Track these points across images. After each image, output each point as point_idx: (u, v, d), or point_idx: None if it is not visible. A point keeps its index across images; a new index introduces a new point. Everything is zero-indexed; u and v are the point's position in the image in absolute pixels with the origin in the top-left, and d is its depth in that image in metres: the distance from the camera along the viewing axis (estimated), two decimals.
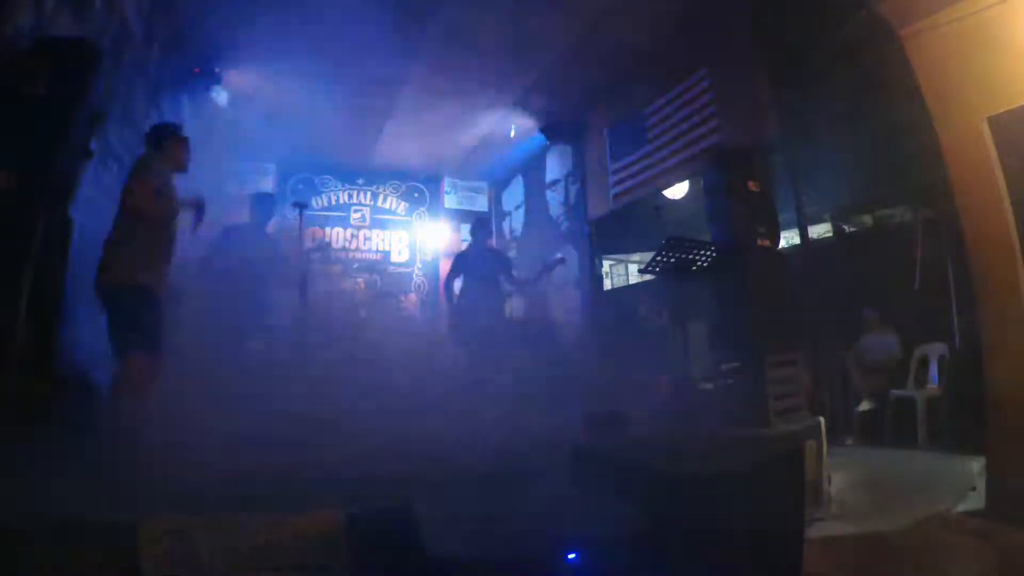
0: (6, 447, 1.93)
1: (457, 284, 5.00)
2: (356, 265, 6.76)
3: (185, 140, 2.78)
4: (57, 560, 1.56)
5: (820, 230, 6.44)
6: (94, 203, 3.00)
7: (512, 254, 6.72)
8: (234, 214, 4.53)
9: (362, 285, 6.36)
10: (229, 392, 3.45)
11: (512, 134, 6.66)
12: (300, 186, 7.25)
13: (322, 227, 7.41)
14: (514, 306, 6.62)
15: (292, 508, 1.72)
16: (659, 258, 3.23)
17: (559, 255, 4.99)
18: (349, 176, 7.78)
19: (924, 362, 4.48)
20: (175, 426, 2.92)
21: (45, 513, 1.65)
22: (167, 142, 2.71)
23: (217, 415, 3.26)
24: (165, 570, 1.56)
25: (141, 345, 2.44)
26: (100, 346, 2.68)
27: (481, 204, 8.60)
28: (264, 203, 4.60)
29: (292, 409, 3.53)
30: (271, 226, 4.62)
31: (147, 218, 2.47)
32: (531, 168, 7.50)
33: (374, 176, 7.94)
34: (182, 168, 2.77)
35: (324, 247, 5.23)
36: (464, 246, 6.94)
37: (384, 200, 8.14)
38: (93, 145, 2.50)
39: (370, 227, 7.89)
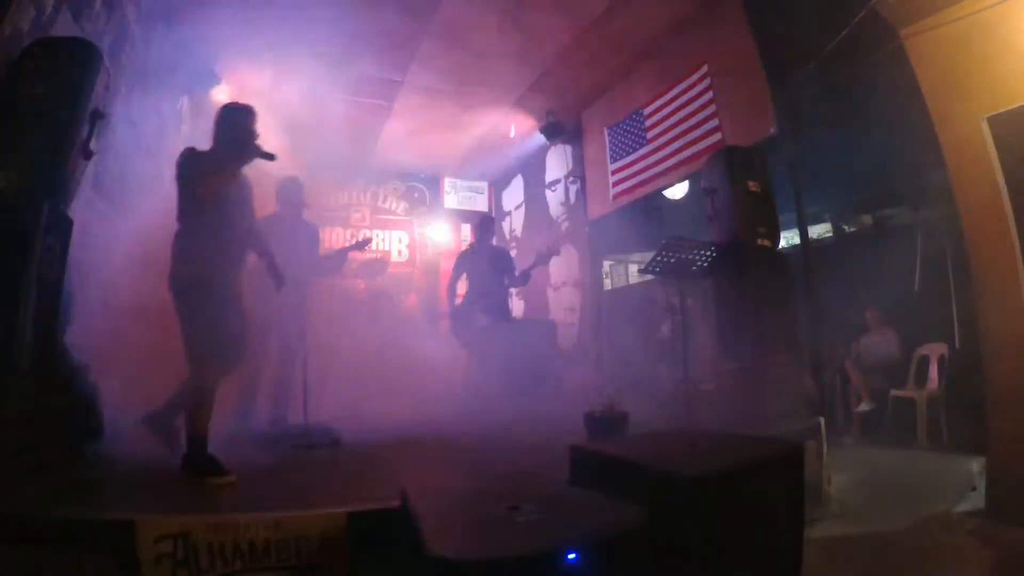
0: (6, 447, 1.93)
1: (461, 286, 4.98)
2: (356, 265, 6.72)
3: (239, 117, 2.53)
4: (57, 560, 1.56)
5: (820, 230, 6.45)
6: (94, 204, 3.00)
7: (512, 254, 6.72)
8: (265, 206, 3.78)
9: (362, 286, 6.34)
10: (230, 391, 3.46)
11: (512, 134, 6.65)
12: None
13: (321, 227, 7.37)
14: (515, 305, 6.62)
15: (292, 508, 1.73)
16: (659, 258, 3.23)
17: (554, 245, 4.89)
18: (349, 176, 7.78)
19: (924, 362, 4.48)
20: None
21: (46, 513, 1.65)
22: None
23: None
24: (165, 570, 1.56)
25: (208, 350, 2.29)
26: (100, 346, 2.68)
27: (481, 204, 8.61)
28: (290, 189, 3.85)
29: (294, 408, 3.53)
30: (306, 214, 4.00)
31: (203, 203, 2.33)
32: (531, 168, 7.50)
33: (374, 176, 7.94)
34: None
35: (363, 244, 4.36)
36: (465, 246, 6.94)
37: (384, 200, 8.14)
38: (93, 145, 2.48)
39: (370, 227, 7.90)
